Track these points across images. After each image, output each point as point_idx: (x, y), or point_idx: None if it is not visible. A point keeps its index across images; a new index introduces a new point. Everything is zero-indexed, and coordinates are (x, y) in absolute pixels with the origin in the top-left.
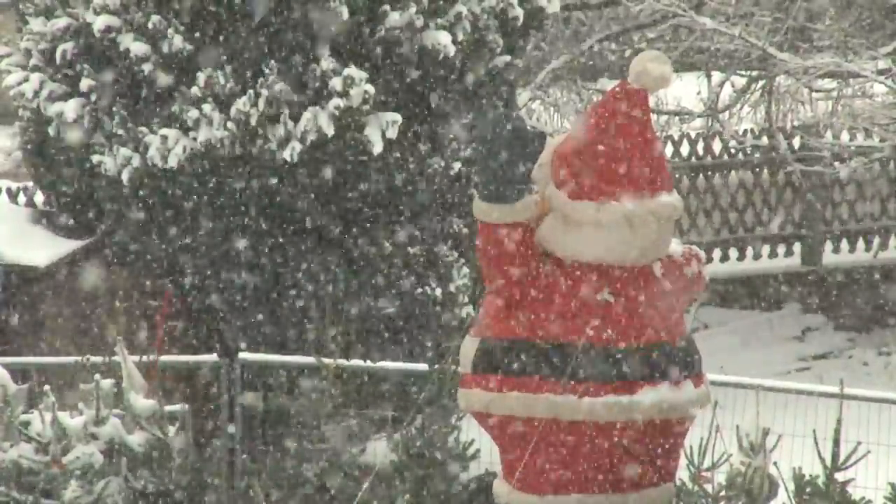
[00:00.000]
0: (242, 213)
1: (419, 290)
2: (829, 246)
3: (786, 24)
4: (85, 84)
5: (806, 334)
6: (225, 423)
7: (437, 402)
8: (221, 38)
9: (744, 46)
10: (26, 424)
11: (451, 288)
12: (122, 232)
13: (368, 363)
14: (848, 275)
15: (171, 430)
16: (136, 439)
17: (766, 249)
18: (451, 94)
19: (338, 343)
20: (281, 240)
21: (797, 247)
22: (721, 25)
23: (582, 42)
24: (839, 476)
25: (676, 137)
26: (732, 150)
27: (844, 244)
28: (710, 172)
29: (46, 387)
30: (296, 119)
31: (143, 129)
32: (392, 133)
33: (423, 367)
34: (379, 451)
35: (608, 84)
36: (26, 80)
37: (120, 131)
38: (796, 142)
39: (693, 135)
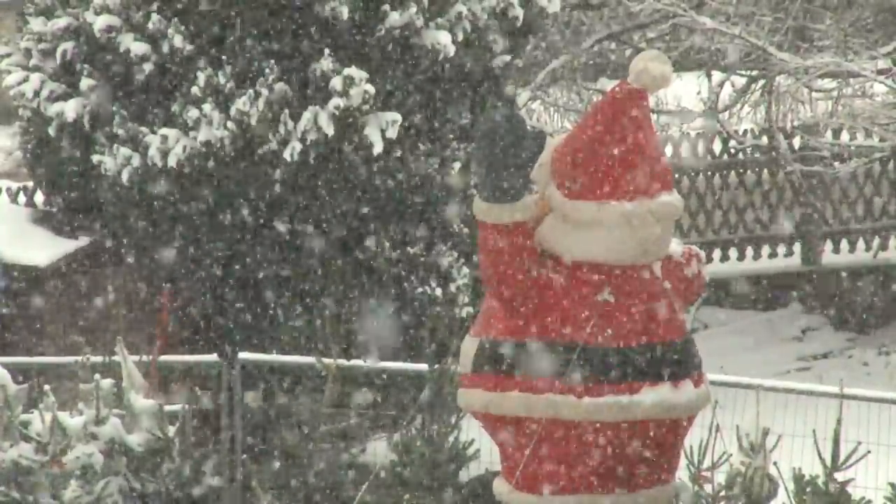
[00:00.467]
0: (242, 212)
1: (419, 290)
2: (829, 246)
3: (786, 24)
4: (85, 84)
5: (806, 334)
6: (225, 423)
7: (436, 402)
8: (221, 38)
9: (744, 46)
10: (26, 424)
11: (451, 288)
12: (121, 232)
13: (368, 363)
14: (848, 275)
15: (171, 430)
16: (136, 439)
17: (766, 249)
18: (451, 94)
19: (338, 343)
20: (281, 240)
21: (797, 247)
22: (721, 25)
23: (582, 42)
24: (839, 476)
25: (676, 137)
26: (732, 150)
27: (844, 244)
28: (710, 172)
29: (46, 387)
30: (296, 119)
31: (143, 129)
32: (392, 133)
33: (423, 367)
34: (379, 451)
35: (608, 84)
36: (26, 80)
37: (120, 131)
38: (796, 142)
39: (693, 135)
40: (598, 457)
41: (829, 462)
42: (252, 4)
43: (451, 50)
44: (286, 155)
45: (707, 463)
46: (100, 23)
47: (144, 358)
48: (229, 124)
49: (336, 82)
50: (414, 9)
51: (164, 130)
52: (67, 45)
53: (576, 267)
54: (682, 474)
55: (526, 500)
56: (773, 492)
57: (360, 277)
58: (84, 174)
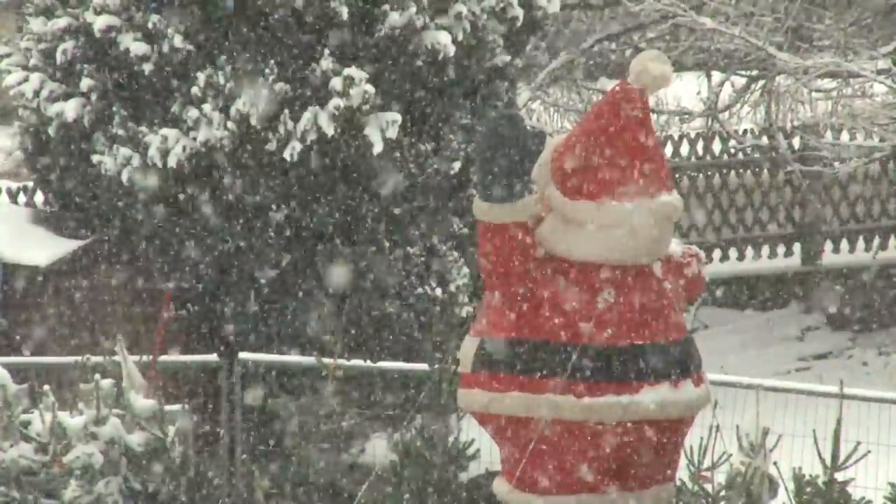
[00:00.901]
0: (242, 212)
1: (419, 290)
2: (829, 246)
3: (786, 24)
4: (85, 84)
5: (806, 334)
6: (225, 423)
7: (436, 402)
8: (221, 38)
9: (744, 46)
10: (26, 424)
11: (451, 288)
12: (121, 232)
13: (368, 363)
14: (848, 275)
15: (171, 430)
16: (136, 439)
17: (766, 249)
18: (451, 94)
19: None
20: (281, 240)
21: (797, 247)
22: (721, 25)
23: (582, 42)
24: (839, 476)
25: (676, 137)
26: (732, 150)
27: (844, 244)
28: (710, 172)
29: (46, 387)
30: (296, 119)
31: (143, 129)
32: (392, 133)
33: (423, 367)
34: (379, 451)
35: (608, 84)
36: (26, 80)
37: (120, 131)
38: (796, 142)
39: (693, 135)
40: (598, 457)
41: (829, 462)
42: (252, 4)
43: (451, 50)
44: (286, 155)
45: (707, 463)
46: (100, 23)
47: (144, 358)
48: (229, 124)
49: (336, 82)
50: (414, 9)
51: (164, 130)
52: (67, 45)
53: (575, 267)
54: (682, 474)
55: (526, 499)
56: (773, 492)
57: (360, 277)
58: (84, 174)
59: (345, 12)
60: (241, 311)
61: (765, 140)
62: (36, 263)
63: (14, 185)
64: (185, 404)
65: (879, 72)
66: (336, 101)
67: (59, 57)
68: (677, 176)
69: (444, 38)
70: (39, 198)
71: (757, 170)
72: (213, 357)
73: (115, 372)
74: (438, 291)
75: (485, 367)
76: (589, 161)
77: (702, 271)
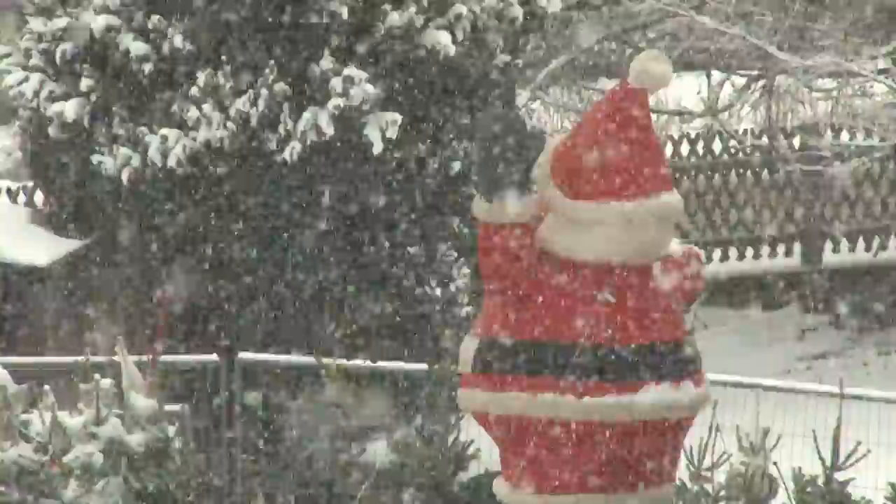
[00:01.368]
0: (242, 212)
1: (419, 290)
2: (829, 246)
3: (786, 23)
4: (85, 84)
5: (806, 334)
6: (225, 423)
7: (436, 402)
8: (221, 38)
9: (744, 46)
10: (26, 424)
11: (451, 288)
12: (121, 231)
13: (368, 363)
14: (848, 275)
15: (171, 430)
16: (136, 439)
17: (766, 249)
18: (451, 94)
19: (338, 343)
20: (281, 240)
21: (797, 247)
22: (721, 25)
23: (582, 42)
24: (839, 476)
25: (676, 137)
26: (732, 150)
27: (844, 244)
28: (710, 172)
29: (46, 387)
30: (296, 119)
31: (143, 129)
32: (392, 133)
33: (423, 367)
34: (379, 451)
35: (608, 84)
36: (26, 80)
37: (120, 131)
38: (796, 142)
39: (693, 135)
40: (598, 457)
41: (829, 462)
42: (252, 4)
43: (451, 50)
44: (286, 155)
45: (707, 463)
46: (100, 23)
47: (144, 358)
48: (229, 124)
49: (336, 82)
50: (414, 9)
51: (164, 130)
52: (67, 45)
53: (576, 267)
54: (682, 474)
55: (526, 499)
56: (773, 492)
57: (360, 277)
58: (84, 174)
59: (345, 12)
60: (241, 311)
61: (765, 140)
62: (36, 263)
63: (14, 185)
64: (185, 404)
65: (879, 72)
66: (336, 101)
67: (58, 57)
68: (677, 176)
69: (444, 38)
70: (39, 198)
71: (757, 170)
72: (213, 357)
73: (115, 372)
74: (438, 291)
75: (485, 367)
76: (589, 161)
77: (702, 271)
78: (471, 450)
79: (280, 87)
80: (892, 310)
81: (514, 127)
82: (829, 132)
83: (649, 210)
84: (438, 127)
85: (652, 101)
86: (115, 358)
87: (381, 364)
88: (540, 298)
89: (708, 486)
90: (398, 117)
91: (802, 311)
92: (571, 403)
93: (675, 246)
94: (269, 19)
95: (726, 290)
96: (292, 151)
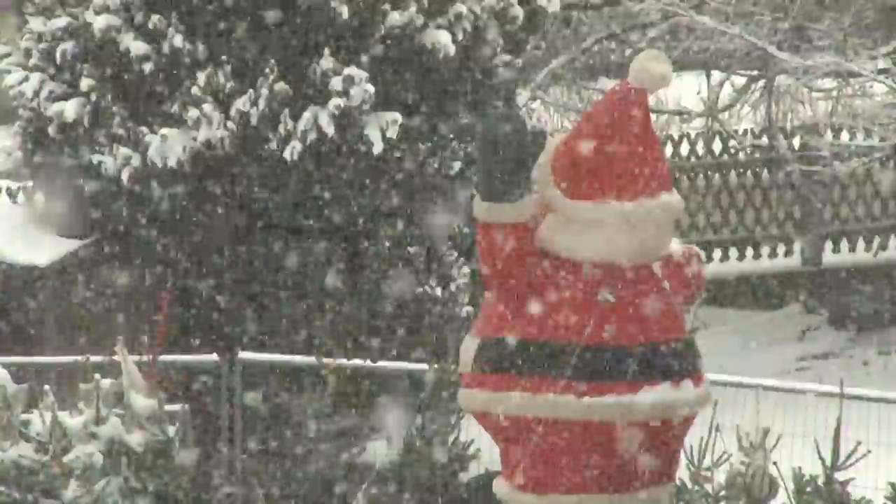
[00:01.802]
0: (242, 212)
1: (419, 289)
2: (829, 246)
3: (786, 24)
4: (85, 84)
5: (806, 334)
6: (225, 423)
7: (436, 402)
8: (221, 38)
9: (744, 46)
10: (26, 424)
11: (451, 288)
12: (121, 232)
13: (368, 363)
14: (848, 275)
15: (171, 430)
16: (136, 439)
17: (766, 249)
18: (451, 94)
19: (338, 342)
20: (281, 240)
21: (797, 247)
22: (721, 25)
23: (582, 42)
24: (839, 476)
25: (676, 137)
26: (732, 150)
27: (844, 244)
28: (710, 172)
29: (46, 387)
30: (296, 119)
31: (143, 129)
32: (392, 133)
33: (423, 367)
34: (379, 451)
35: (608, 84)
36: (26, 80)
37: (120, 131)
38: (796, 142)
39: (693, 135)
40: (599, 457)
41: (829, 462)
42: (252, 4)
43: (451, 50)
44: (286, 155)
45: (707, 463)
46: (100, 23)
47: (144, 358)
48: (229, 124)
49: (336, 82)
50: (414, 8)
51: (164, 130)
52: (67, 45)
53: (576, 267)
54: (682, 474)
55: (526, 499)
56: (773, 492)
57: (360, 277)
58: (84, 174)
59: (345, 12)
60: (241, 311)
61: (765, 140)
62: (36, 263)
63: (14, 185)
64: (185, 404)
65: (879, 72)
66: (336, 101)
67: (59, 57)
68: (677, 176)
69: (444, 37)
70: (39, 198)
71: (757, 170)
72: (213, 357)
73: (115, 372)
74: (438, 291)
75: (485, 367)
76: (589, 161)
77: (702, 271)
78: (471, 450)
79: (280, 87)
80: (892, 310)
81: (514, 127)
82: (829, 132)
83: (649, 210)
84: (438, 127)
85: (652, 101)
86: (115, 358)
87: (381, 364)
88: (540, 298)
89: (708, 486)
90: (398, 117)
91: (802, 311)
92: (571, 403)
93: (675, 246)
94: (270, 19)
95: (726, 290)
96: (292, 151)
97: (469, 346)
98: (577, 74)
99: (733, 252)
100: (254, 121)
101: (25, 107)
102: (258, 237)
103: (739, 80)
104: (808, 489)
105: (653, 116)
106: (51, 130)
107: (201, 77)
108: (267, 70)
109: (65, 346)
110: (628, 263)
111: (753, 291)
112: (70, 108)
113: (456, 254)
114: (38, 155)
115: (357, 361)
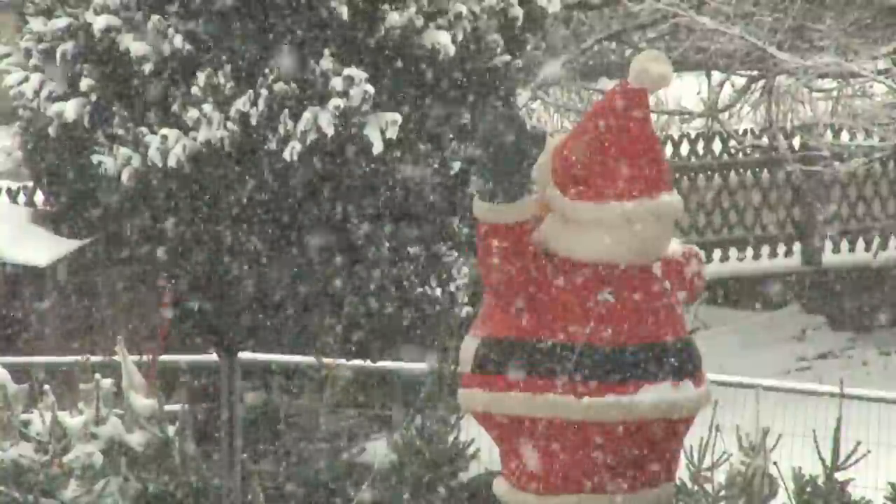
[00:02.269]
0: (242, 212)
1: (419, 289)
2: (829, 246)
3: (786, 24)
4: (85, 84)
5: (806, 334)
6: (225, 423)
7: (436, 402)
8: (221, 38)
9: (744, 46)
10: (26, 424)
11: (451, 288)
12: (121, 232)
13: (368, 363)
14: (848, 275)
15: (171, 430)
16: (136, 439)
17: (766, 249)
18: (451, 94)
19: (338, 343)
20: (281, 240)
21: (797, 247)
22: (721, 25)
23: (582, 42)
24: (839, 476)
25: (676, 137)
26: (732, 150)
27: (844, 244)
28: (709, 172)
29: (46, 387)
30: (296, 119)
31: (143, 129)
32: (392, 133)
33: (423, 366)
34: (379, 450)
35: (608, 84)
36: (26, 80)
37: (120, 131)
38: (796, 142)
39: (693, 135)
40: (598, 457)
41: (829, 462)
42: (252, 4)
43: (451, 50)
44: (286, 155)
45: (707, 463)
46: (100, 23)
47: (144, 358)
48: (229, 124)
49: (336, 82)
50: (413, 9)
51: (164, 130)
52: (67, 45)
53: (576, 267)
54: (682, 474)
55: (526, 499)
56: (773, 492)
57: (360, 277)
58: (84, 174)
59: (345, 12)
60: (241, 311)
61: (765, 140)
62: (36, 263)
63: (14, 185)
64: (185, 404)
65: (879, 72)
66: (336, 101)
67: (58, 57)
68: (677, 176)
69: (443, 38)
70: (39, 198)
71: (757, 170)
72: (213, 357)
73: (115, 372)
74: (438, 291)
75: (485, 367)
76: (589, 161)
77: (702, 271)
78: (471, 450)
79: (280, 87)
80: (892, 310)
81: (514, 127)
82: (829, 132)
83: (649, 210)
84: (438, 127)
85: (652, 101)
86: (115, 358)
87: (381, 364)
88: (540, 298)
89: (708, 486)
90: (398, 117)
91: (802, 311)
92: (571, 403)
93: (675, 246)
94: (269, 19)
95: (726, 290)
96: (292, 151)
97: (469, 346)
98: (577, 74)
99: (733, 252)
100: (254, 121)
101: (25, 107)
102: (258, 237)
103: (739, 81)
104: (808, 489)
105: (653, 116)
106: (51, 130)
107: (201, 77)
108: (267, 70)
109: (65, 346)
110: (628, 263)
111: (753, 291)
112: (70, 108)
113: (456, 254)
114: (38, 155)
115: (357, 361)
